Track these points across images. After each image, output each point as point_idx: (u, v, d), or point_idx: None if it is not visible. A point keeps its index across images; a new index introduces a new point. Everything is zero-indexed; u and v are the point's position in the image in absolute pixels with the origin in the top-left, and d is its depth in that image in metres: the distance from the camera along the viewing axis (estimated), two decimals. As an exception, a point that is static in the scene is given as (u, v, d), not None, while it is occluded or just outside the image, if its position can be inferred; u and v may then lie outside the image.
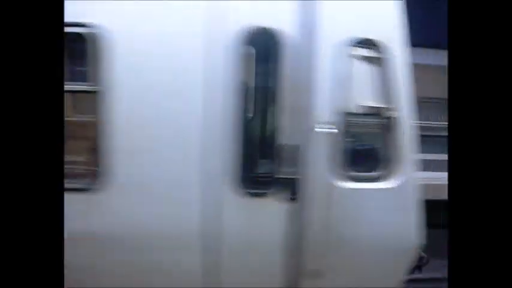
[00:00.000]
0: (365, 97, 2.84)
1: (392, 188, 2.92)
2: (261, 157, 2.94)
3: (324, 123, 2.78)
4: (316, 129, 2.76)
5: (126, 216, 2.77)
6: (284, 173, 2.79)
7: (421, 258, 4.37)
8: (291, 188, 2.80)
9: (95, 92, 2.68)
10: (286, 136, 2.78)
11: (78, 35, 2.63)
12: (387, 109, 2.85)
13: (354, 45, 2.78)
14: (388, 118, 2.86)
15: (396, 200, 2.94)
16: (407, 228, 2.96)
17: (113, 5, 2.69)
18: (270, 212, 2.83)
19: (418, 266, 4.38)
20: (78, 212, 2.66)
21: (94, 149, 2.73)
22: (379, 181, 2.92)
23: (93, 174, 2.74)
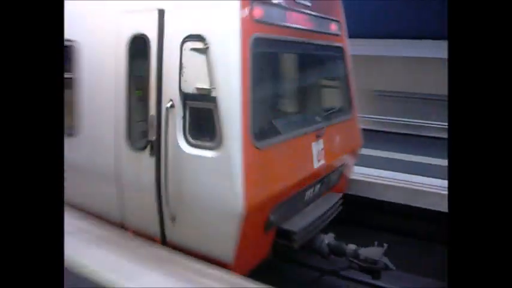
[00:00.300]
0: (197, 79, 3.56)
1: (213, 157, 3.49)
2: (141, 124, 4.07)
3: (170, 101, 3.70)
4: (166, 105, 3.73)
5: (87, 151, 4.50)
6: (151, 135, 3.88)
7: (376, 262, 4.22)
8: (153, 146, 3.86)
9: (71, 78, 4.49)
10: (152, 109, 3.86)
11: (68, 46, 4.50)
12: (211, 90, 3.48)
13: (188, 40, 3.58)
14: (213, 97, 3.48)
15: (216, 168, 3.49)
16: (226, 191, 3.44)
17: (79, 29, 4.43)
18: (149, 161, 3.93)
19: (377, 271, 4.25)
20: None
21: (74, 112, 4.58)
22: (207, 150, 3.55)
23: (72, 127, 4.55)
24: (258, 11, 3.67)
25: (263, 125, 3.78)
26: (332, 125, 5.07)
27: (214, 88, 3.44)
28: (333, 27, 5.21)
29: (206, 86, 3.49)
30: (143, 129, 4.04)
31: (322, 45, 5.02)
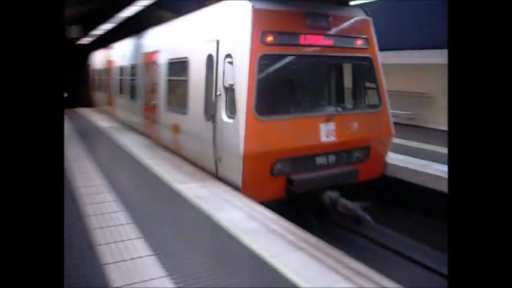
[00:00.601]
0: (229, 79, 6.22)
1: (233, 123, 6.09)
2: (208, 106, 6.88)
3: (219, 92, 6.47)
4: (217, 94, 6.52)
5: (190, 123, 7.64)
6: (212, 111, 6.72)
7: (351, 210, 6.09)
8: (213, 118, 6.68)
9: (186, 80, 7.78)
10: (212, 97, 6.70)
11: (185, 61, 7.80)
12: (233, 85, 6.10)
13: (226, 57, 6.28)
14: (233, 89, 6.09)
15: (233, 129, 6.07)
16: (237, 143, 5.98)
17: (189, 51, 7.63)
18: (211, 126, 6.79)
19: (358, 219, 6.14)
20: (181, 119, 7.95)
21: (186, 100, 7.82)
22: (232, 119, 6.17)
23: (185, 107, 7.83)
24: (269, 38, 6.07)
25: (268, 107, 6.13)
26: (349, 113, 6.90)
27: (234, 84, 6.05)
28: (359, 43, 7.02)
29: (232, 83, 6.13)
30: (208, 109, 6.94)
31: (344, 57, 6.93)
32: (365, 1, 7.84)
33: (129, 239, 4.25)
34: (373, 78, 7.23)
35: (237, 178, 6.14)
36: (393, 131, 7.40)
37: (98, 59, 18.52)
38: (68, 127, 12.34)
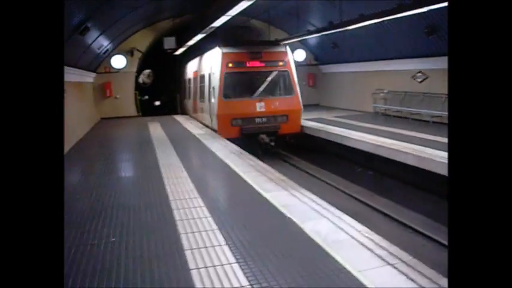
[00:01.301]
0: (213, 83, 14.19)
1: (213, 102, 14.06)
2: (208, 96, 14.83)
3: (212, 88, 14.47)
4: (209, 89, 14.51)
5: (204, 105, 15.59)
6: (209, 97, 14.72)
7: (267, 141, 13.77)
8: (209, 101, 14.69)
9: (204, 85, 15.89)
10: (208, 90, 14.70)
11: (204, 76, 15.95)
12: (214, 86, 14.06)
13: (213, 74, 14.27)
14: (214, 87, 14.06)
15: (213, 105, 14.02)
16: (215, 111, 13.90)
17: (205, 70, 15.71)
18: (209, 105, 14.80)
19: (270, 146, 13.78)
20: (202, 104, 16.17)
21: (204, 94, 15.86)
22: (214, 100, 14.12)
23: (203, 98, 15.96)
24: (230, 64, 13.88)
25: (229, 94, 13.87)
26: (274, 98, 14.38)
27: (214, 86, 14.00)
28: (280, 63, 14.47)
29: (213, 85, 14.08)
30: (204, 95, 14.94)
31: (271, 70, 14.42)
32: (290, 41, 15.21)
33: (214, 246, 4.37)
34: (290, 81, 14.58)
35: (216, 126, 14.02)
36: (301, 107, 14.61)
37: (184, 69, 22.80)
38: (160, 132, 14.34)
